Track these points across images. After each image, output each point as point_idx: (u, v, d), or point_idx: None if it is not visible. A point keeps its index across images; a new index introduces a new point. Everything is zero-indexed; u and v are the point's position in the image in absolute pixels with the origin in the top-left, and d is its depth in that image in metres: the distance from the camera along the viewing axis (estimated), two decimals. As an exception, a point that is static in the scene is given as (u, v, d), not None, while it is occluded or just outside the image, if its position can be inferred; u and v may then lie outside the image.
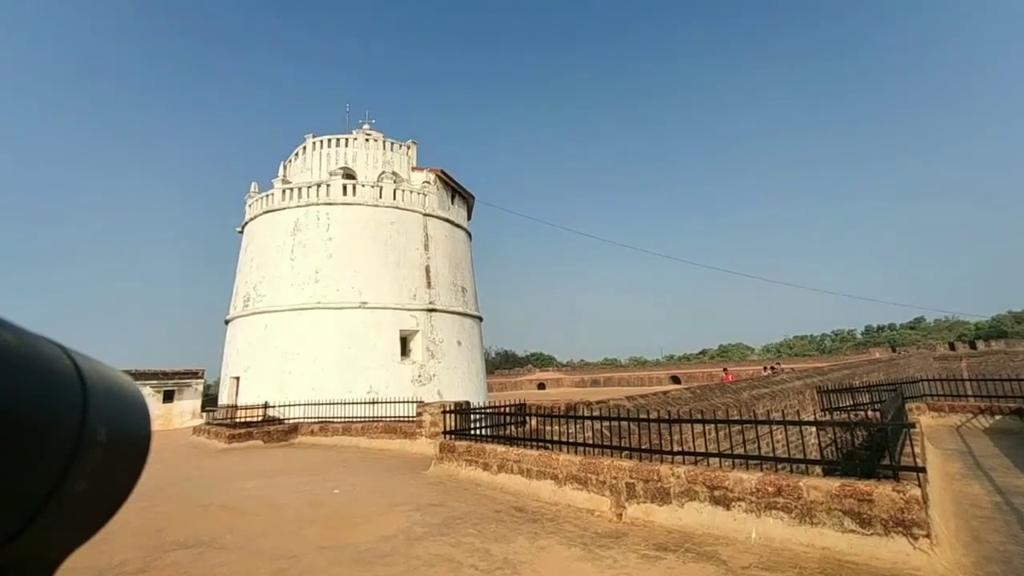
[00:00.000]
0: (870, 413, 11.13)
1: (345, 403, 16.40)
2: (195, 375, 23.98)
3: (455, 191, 26.66)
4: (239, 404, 19.65)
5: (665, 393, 11.99)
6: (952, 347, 54.18)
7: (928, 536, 4.31)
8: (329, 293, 21.18)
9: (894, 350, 57.64)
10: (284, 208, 22.78)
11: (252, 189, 24.92)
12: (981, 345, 54.30)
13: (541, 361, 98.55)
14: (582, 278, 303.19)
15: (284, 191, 23.10)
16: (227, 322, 23.96)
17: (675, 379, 61.77)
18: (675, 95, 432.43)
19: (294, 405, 17.64)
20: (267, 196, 23.64)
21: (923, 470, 5.02)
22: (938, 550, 4.30)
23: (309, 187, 22.82)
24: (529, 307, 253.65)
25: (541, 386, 68.35)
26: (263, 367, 20.87)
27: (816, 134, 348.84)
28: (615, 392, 34.57)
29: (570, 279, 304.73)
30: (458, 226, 26.08)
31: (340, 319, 20.93)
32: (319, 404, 16.97)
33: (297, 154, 26.19)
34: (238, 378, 21.66)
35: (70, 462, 0.34)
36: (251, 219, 24.22)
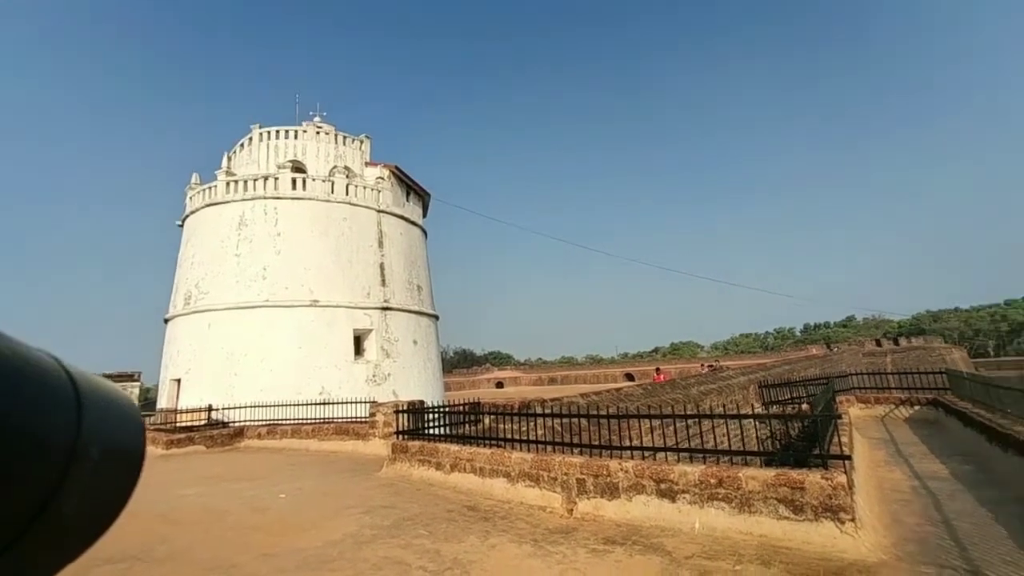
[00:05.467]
0: (803, 406, 11.83)
1: (296, 405, 15.79)
2: (131, 378, 22.51)
3: (410, 188, 26.22)
4: (180, 408, 18.56)
5: (618, 390, 12.27)
6: (878, 343, 58.39)
7: (853, 520, 4.61)
8: (278, 291, 20.35)
9: (829, 347, 61.52)
10: (229, 201, 21.68)
11: (193, 180, 23.56)
12: (903, 342, 58.88)
13: (499, 360, 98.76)
14: (540, 278, 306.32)
15: (228, 183, 21.97)
16: (166, 321, 22.58)
17: (629, 376, 63.40)
18: (636, 94, 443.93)
19: (240, 408, 16.84)
20: (210, 188, 22.42)
21: (849, 458, 5.38)
22: (862, 533, 4.61)
23: (256, 180, 21.81)
24: (487, 306, 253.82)
25: (499, 385, 68.48)
26: (206, 368, 19.81)
27: (759, 146, 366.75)
28: (571, 390, 35.10)
29: (528, 279, 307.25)
30: (413, 223, 25.68)
31: (290, 318, 20.15)
32: (268, 406, 16.27)
33: (243, 145, 24.96)
34: (179, 380, 20.47)
35: (60, 481, 0.33)
36: (192, 212, 22.90)
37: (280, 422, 15.59)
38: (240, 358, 19.58)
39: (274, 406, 16.13)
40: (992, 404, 9.14)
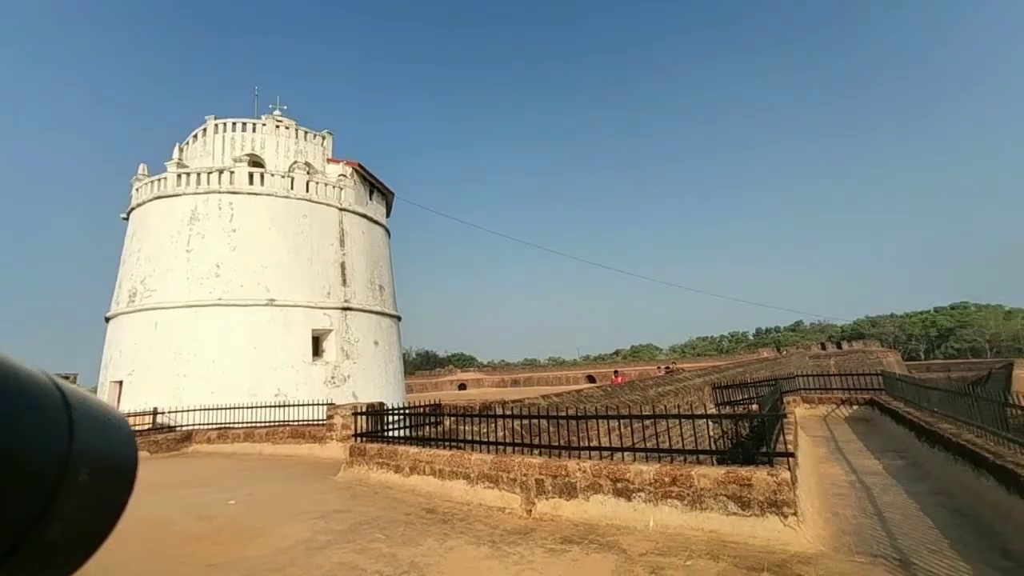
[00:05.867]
0: (753, 406, 12.35)
1: (249, 407, 15.19)
2: (66, 380, 20.98)
3: (374, 186, 25.76)
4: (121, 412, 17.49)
5: (579, 391, 12.45)
6: (823, 347, 61.84)
7: (796, 514, 4.85)
8: (232, 289, 19.54)
9: (779, 350, 64.53)
10: (180, 195, 20.65)
11: (140, 171, 22.31)
12: (846, 345, 62.56)
13: (462, 362, 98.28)
14: (504, 280, 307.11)
15: (180, 176, 20.94)
16: (108, 320, 21.28)
17: (591, 378, 64.40)
18: (598, 101, 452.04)
19: (189, 411, 16.04)
20: (159, 180, 21.30)
21: (793, 455, 5.66)
22: (803, 526, 4.86)
23: (210, 173, 20.87)
24: (451, 308, 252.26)
25: (462, 387, 68.12)
26: (152, 370, 18.78)
27: (710, 155, 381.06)
28: (533, 391, 35.32)
29: (492, 280, 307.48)
30: (376, 223, 25.23)
31: (245, 317, 19.38)
32: (219, 409, 15.57)
33: (196, 136, 23.84)
34: (121, 382, 19.32)
35: (47, 505, 0.31)
36: (139, 205, 21.68)
37: (232, 425, 14.97)
38: (190, 359, 18.68)
39: (226, 409, 15.46)
40: (921, 404, 9.82)
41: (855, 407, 13.26)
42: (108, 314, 21.28)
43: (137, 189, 22.08)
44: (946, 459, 6.89)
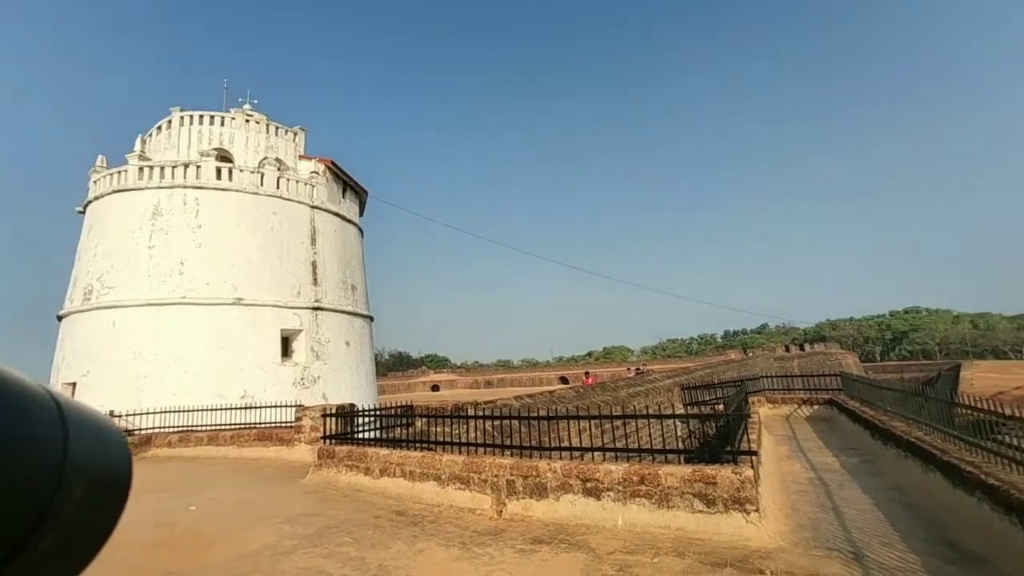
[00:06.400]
0: (719, 406, 12.69)
1: (214, 409, 14.71)
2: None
3: (347, 184, 25.34)
4: (73, 414, 16.65)
5: (551, 392, 12.55)
6: (787, 349, 64.08)
7: (758, 510, 5.02)
8: (198, 287, 18.89)
9: (745, 352, 66.40)
10: (142, 188, 19.85)
11: (98, 163, 21.35)
12: (808, 347, 65.02)
13: (435, 363, 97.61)
14: (477, 281, 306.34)
15: (142, 168, 20.12)
16: (60, 318, 20.27)
17: (564, 379, 64.81)
18: (576, 98, 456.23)
19: (149, 414, 15.39)
20: (119, 173, 20.42)
21: (756, 454, 5.85)
22: (765, 522, 5.03)
23: (175, 167, 20.14)
24: (424, 309, 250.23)
25: (435, 388, 67.62)
26: (110, 371, 17.97)
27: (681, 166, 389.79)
28: (506, 392, 35.35)
29: (466, 282, 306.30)
30: (349, 221, 24.82)
31: (211, 316, 18.76)
32: (182, 411, 15.02)
33: (160, 128, 22.95)
34: (74, 384, 18.41)
35: (40, 519, 0.31)
36: (97, 198, 20.73)
37: (195, 428, 14.47)
38: (150, 359, 17.96)
39: (189, 411, 14.93)
40: (876, 403, 10.28)
41: (816, 407, 13.77)
42: (61, 312, 20.27)
43: (95, 182, 21.12)
44: (898, 456, 7.23)
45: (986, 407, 5.52)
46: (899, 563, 4.32)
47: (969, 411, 5.83)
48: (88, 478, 0.36)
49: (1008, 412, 4.93)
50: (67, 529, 0.34)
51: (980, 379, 28.90)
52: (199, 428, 14.48)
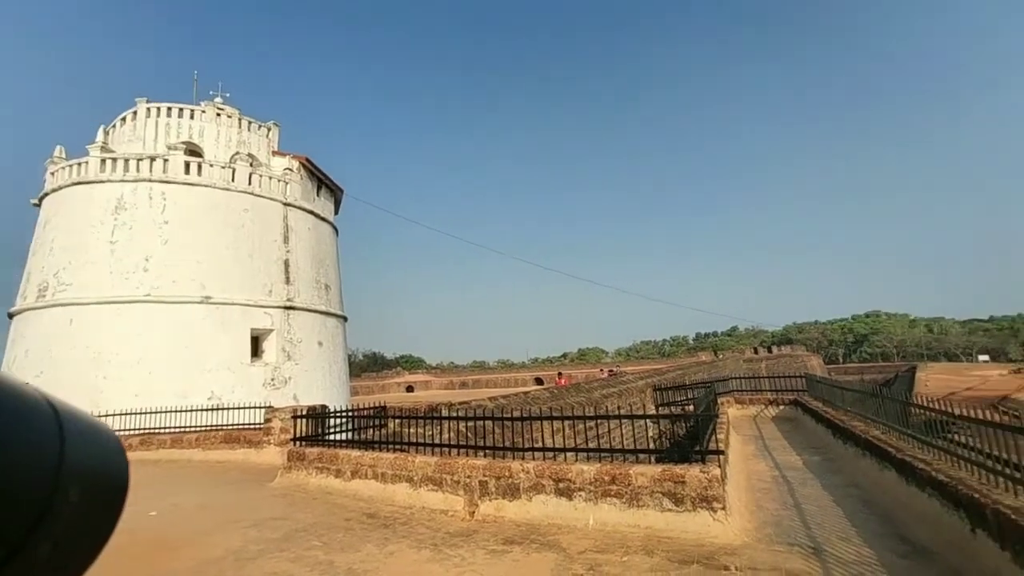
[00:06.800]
0: (689, 407, 12.96)
1: (179, 411, 14.24)
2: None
3: (322, 182, 24.89)
4: (26, 417, 15.87)
5: (526, 393, 12.60)
6: (756, 351, 65.85)
7: (724, 508, 5.15)
8: (163, 284, 18.23)
9: (716, 354, 67.96)
10: (104, 181, 19.06)
11: (57, 153, 20.41)
12: (776, 350, 66.98)
13: (410, 364, 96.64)
14: (453, 282, 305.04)
15: (105, 160, 19.33)
16: (11, 315, 19.29)
17: (539, 380, 64.95)
18: (556, 99, 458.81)
19: (109, 416, 14.77)
20: (79, 164, 19.57)
21: (723, 453, 6.00)
22: (731, 519, 5.17)
23: (140, 160, 19.41)
24: (400, 309, 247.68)
25: (410, 389, 66.93)
26: (66, 371, 17.17)
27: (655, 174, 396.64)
28: (481, 393, 35.29)
29: (441, 282, 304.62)
30: (323, 219, 24.38)
31: (177, 315, 18.13)
32: (144, 413, 14.48)
33: (125, 119, 22.07)
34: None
35: (38, 521, 0.31)
36: (54, 190, 19.82)
37: (158, 431, 13.99)
38: (111, 359, 17.26)
39: (152, 413, 14.41)
40: (837, 404, 10.67)
41: (781, 407, 14.20)
42: (12, 310, 19.29)
43: (52, 173, 20.19)
44: (856, 454, 7.53)
45: (938, 407, 5.80)
46: (856, 557, 4.50)
47: (922, 411, 6.11)
48: (85, 481, 0.36)
49: (958, 412, 5.18)
50: (66, 532, 0.34)
51: (934, 380, 30.27)
52: (162, 431, 14.00)
